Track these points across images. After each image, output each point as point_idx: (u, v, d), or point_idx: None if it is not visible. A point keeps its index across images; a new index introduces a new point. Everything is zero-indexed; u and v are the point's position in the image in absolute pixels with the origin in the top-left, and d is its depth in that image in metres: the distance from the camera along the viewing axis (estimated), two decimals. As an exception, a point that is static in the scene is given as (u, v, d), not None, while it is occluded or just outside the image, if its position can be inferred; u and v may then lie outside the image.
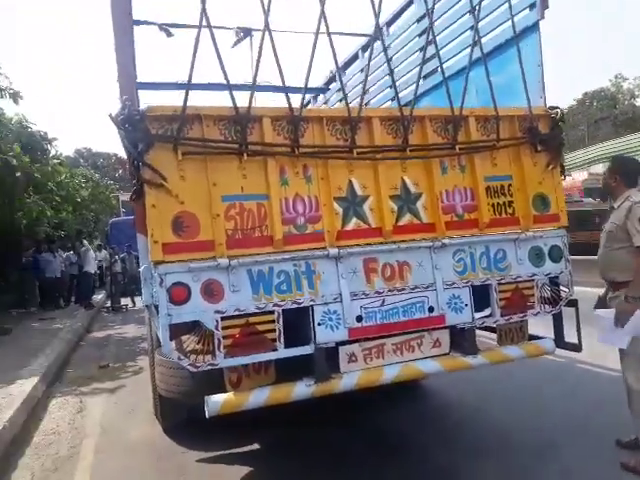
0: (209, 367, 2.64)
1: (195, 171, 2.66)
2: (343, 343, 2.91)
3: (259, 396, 2.74)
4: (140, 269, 2.92)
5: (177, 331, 2.64)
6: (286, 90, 2.82)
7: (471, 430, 4.01)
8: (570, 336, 3.49)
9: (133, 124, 2.54)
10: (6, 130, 10.53)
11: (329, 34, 2.79)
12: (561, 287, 3.41)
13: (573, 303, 3.42)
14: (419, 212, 3.08)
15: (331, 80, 7.03)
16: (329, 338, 2.84)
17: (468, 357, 3.13)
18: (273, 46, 2.65)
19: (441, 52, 3.57)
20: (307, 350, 2.81)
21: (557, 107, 3.40)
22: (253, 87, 2.76)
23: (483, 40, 3.46)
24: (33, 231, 13.42)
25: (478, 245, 3.18)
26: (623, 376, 3.29)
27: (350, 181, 2.95)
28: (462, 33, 4.25)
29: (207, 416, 2.66)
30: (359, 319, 2.89)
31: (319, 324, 2.82)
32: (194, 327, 2.68)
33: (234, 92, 2.66)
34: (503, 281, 3.22)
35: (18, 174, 9.15)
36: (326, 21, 2.75)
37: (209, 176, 2.68)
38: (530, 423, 3.95)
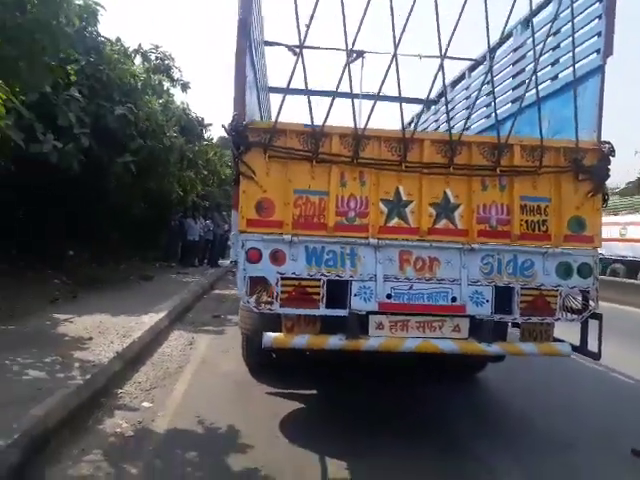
0: (268, 311, 3.61)
1: (277, 170, 3.59)
2: (374, 313, 3.68)
3: (301, 339, 3.65)
4: (231, 235, 3.94)
5: (250, 283, 3.62)
6: (401, 100, 3.61)
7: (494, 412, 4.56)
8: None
9: (237, 132, 3.55)
10: (170, 113, 12.60)
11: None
12: (590, 301, 3.79)
13: (597, 316, 3.80)
14: (455, 219, 3.70)
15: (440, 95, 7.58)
16: (362, 307, 3.63)
17: (483, 344, 3.70)
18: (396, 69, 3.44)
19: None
20: (343, 313, 3.63)
21: (608, 142, 3.75)
22: (329, 110, 3.60)
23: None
24: (184, 199, 15.74)
25: (506, 253, 3.71)
26: None
27: (397, 188, 3.68)
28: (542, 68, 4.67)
29: (262, 346, 3.64)
30: (388, 296, 3.64)
31: (355, 295, 3.62)
32: (263, 282, 3.63)
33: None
34: (527, 286, 3.72)
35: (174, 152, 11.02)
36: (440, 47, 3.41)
37: (286, 174, 3.60)
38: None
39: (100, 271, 11.08)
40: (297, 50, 5.77)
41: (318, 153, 3.58)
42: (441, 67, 3.52)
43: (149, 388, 4.89)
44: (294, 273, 3.59)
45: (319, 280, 3.61)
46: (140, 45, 14.28)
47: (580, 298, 3.83)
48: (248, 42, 3.70)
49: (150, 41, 21.33)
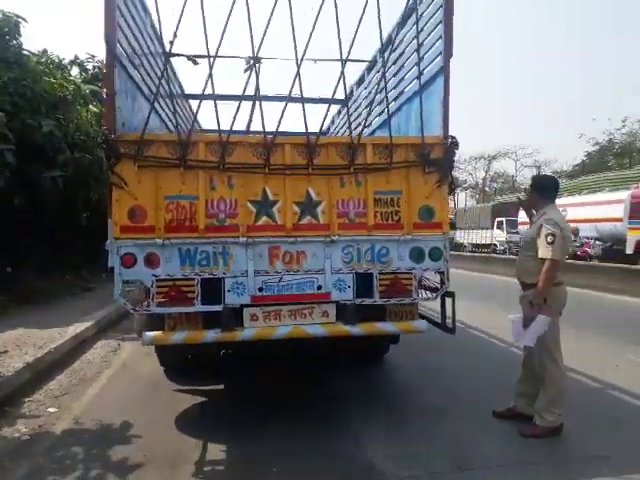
0: (145, 311, 3.90)
1: (148, 178, 3.87)
2: (248, 306, 4.00)
3: (179, 335, 3.94)
4: (106, 243, 4.15)
5: (126, 287, 3.89)
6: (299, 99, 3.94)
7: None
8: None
9: (108, 145, 3.81)
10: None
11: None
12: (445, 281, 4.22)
13: (450, 294, 4.23)
14: (317, 215, 4.06)
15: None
16: (235, 301, 3.96)
17: (348, 326, 4.07)
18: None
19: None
20: (217, 308, 3.94)
21: (452, 136, 4.18)
22: (195, 117, 3.91)
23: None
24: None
25: (364, 242, 4.10)
26: (535, 359, 3.95)
27: (264, 189, 4.01)
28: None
29: (142, 345, 3.91)
30: (260, 290, 3.97)
31: (228, 290, 3.94)
32: (139, 285, 3.91)
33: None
34: (384, 271, 4.11)
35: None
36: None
37: (157, 181, 3.88)
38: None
39: (42, 285, 11.03)
40: (197, 60, 6.15)
41: (186, 160, 3.87)
42: (342, 74, 3.89)
43: (59, 395, 5.10)
44: (168, 274, 3.88)
45: (193, 279, 3.91)
46: (76, 56, 14.33)
47: (438, 279, 4.25)
48: (115, 57, 3.88)
49: (87, 51, 21.05)
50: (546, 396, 3.91)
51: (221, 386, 5.42)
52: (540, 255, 3.78)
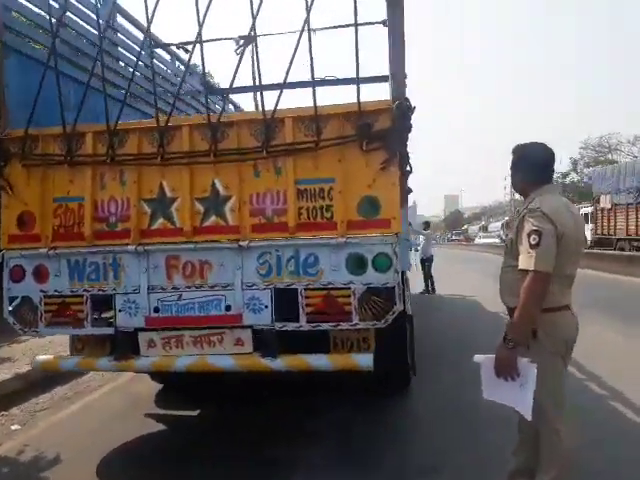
0: (33, 333, 3.37)
1: (37, 179, 3.35)
2: (143, 330, 3.27)
3: (70, 362, 3.37)
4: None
5: (16, 303, 3.41)
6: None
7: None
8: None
9: None
10: None
11: None
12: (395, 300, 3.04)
13: (408, 320, 3.04)
14: (225, 214, 3.18)
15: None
16: (128, 323, 3.25)
17: (267, 359, 3.13)
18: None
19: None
20: (109, 331, 3.28)
21: (405, 98, 2.99)
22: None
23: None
24: None
25: (286, 249, 3.11)
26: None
27: (161, 184, 3.25)
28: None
29: (31, 367, 3.40)
30: (156, 310, 3.22)
31: (120, 310, 3.26)
32: (28, 302, 3.40)
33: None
34: (312, 286, 3.08)
35: None
36: None
37: (45, 182, 3.35)
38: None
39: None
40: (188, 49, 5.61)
41: (72, 156, 3.28)
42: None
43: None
44: (56, 290, 3.32)
45: (82, 296, 3.30)
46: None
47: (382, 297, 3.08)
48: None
49: None
50: (545, 477, 2.53)
51: (195, 412, 4.75)
52: (520, 265, 2.35)
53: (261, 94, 3.25)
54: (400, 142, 2.98)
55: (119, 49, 4.90)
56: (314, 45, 2.93)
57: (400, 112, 2.95)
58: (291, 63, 3.02)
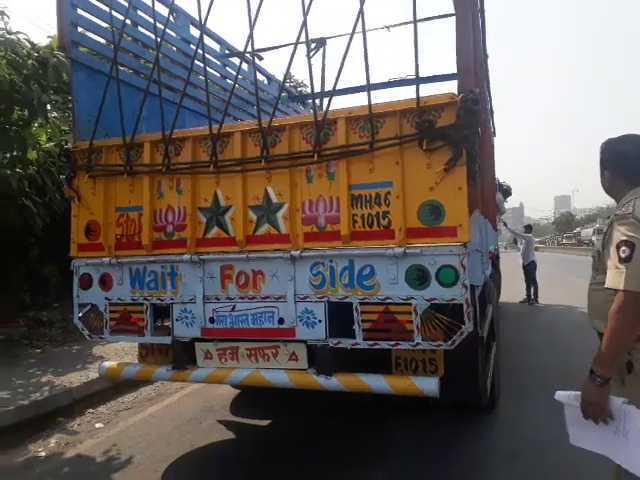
0: (99, 339, 3.45)
1: (100, 189, 3.45)
2: (200, 340, 3.21)
3: (131, 370, 3.40)
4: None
5: (85, 310, 3.52)
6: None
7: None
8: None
9: (66, 157, 3.52)
10: None
11: None
12: (465, 319, 2.68)
13: (477, 341, 2.66)
14: (278, 222, 3.02)
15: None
16: (184, 333, 3.21)
17: (321, 377, 2.92)
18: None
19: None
20: (167, 340, 3.26)
21: (470, 91, 2.64)
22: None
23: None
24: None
25: (340, 259, 2.87)
26: None
27: (215, 193, 3.18)
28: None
29: (98, 374, 3.49)
30: (211, 320, 3.14)
31: (177, 320, 3.22)
32: (95, 309, 3.50)
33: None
34: (368, 301, 2.81)
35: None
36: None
37: (108, 192, 3.43)
38: None
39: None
40: (261, 55, 5.63)
41: (131, 165, 3.32)
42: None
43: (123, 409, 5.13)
44: (119, 298, 3.38)
45: (142, 305, 3.32)
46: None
47: (449, 315, 2.72)
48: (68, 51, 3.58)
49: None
50: None
51: (266, 422, 4.67)
52: (607, 283, 1.94)
53: (312, 98, 3.06)
54: (466, 139, 2.62)
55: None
56: (375, 45, 2.68)
57: (466, 105, 2.60)
58: (342, 65, 2.81)
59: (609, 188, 2.23)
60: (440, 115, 2.69)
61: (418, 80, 2.70)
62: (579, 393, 1.99)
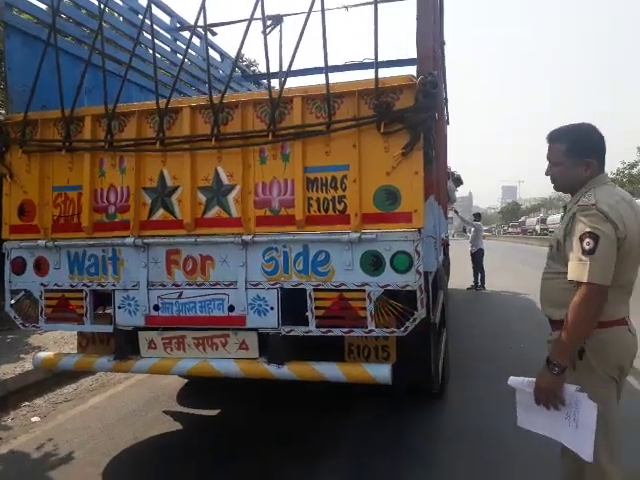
0: (33, 328, 3.21)
1: (36, 166, 3.18)
2: (142, 329, 3.04)
3: (69, 360, 3.19)
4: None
5: (20, 296, 3.27)
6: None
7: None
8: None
9: None
10: None
11: None
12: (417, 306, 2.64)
13: (430, 327, 2.64)
14: (229, 205, 2.88)
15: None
16: (127, 322, 3.03)
17: (272, 366, 2.82)
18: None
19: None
20: (108, 329, 3.07)
21: (429, 74, 2.57)
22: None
23: None
24: None
25: (294, 244, 2.77)
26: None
27: (162, 172, 2.99)
28: None
29: (33, 366, 3.25)
30: (156, 308, 2.97)
31: (119, 307, 3.04)
32: (30, 295, 3.25)
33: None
34: (321, 287, 2.73)
35: None
36: None
37: (45, 170, 3.17)
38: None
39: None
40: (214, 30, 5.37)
41: (70, 141, 3.08)
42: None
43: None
44: (56, 284, 3.14)
45: (81, 291, 3.10)
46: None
47: (402, 302, 2.68)
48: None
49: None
50: None
51: (215, 412, 4.54)
52: (569, 275, 1.93)
53: (267, 76, 2.91)
54: (424, 123, 2.55)
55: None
56: (334, 27, 2.56)
57: (425, 88, 2.53)
58: (298, 43, 2.68)
59: (561, 177, 2.15)
60: (398, 97, 2.62)
61: (377, 61, 2.60)
62: (533, 380, 2.01)
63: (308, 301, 2.75)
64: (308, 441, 3.72)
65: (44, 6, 3.61)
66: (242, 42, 2.86)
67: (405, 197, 2.61)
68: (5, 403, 4.71)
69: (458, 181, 12.06)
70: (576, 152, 2.06)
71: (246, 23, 2.87)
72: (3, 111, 3.47)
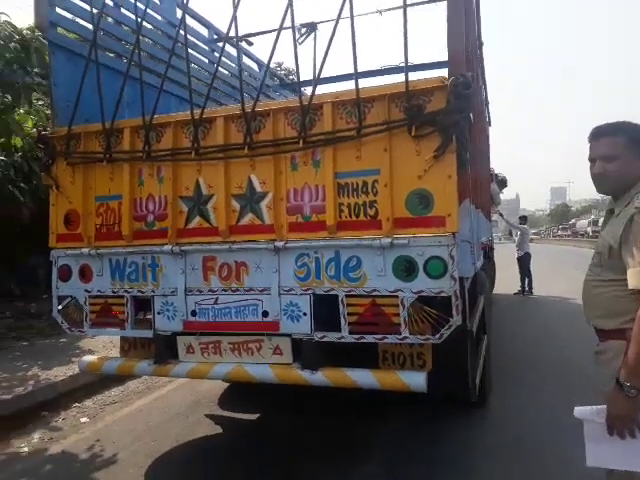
0: (79, 332, 3.35)
1: (80, 177, 3.32)
2: (181, 334, 3.11)
3: (112, 364, 3.30)
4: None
5: (64, 303, 3.41)
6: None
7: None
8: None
9: (44, 143, 3.39)
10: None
11: None
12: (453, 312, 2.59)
13: (466, 334, 2.58)
14: (262, 212, 2.91)
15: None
16: (166, 327, 3.11)
17: (306, 371, 2.83)
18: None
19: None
20: (148, 334, 3.16)
21: (461, 75, 2.53)
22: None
23: None
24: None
25: (326, 250, 2.77)
26: None
27: (197, 180, 3.06)
28: None
29: (79, 371, 3.38)
30: (193, 313, 3.04)
31: (158, 313, 3.12)
32: (75, 301, 3.39)
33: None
34: (353, 293, 2.71)
35: None
36: None
37: (88, 180, 3.31)
38: None
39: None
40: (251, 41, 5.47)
41: (111, 152, 3.20)
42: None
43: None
44: (99, 290, 3.27)
45: (123, 297, 3.21)
46: None
47: (436, 308, 2.63)
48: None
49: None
50: None
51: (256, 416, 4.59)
52: (631, 283, 1.79)
53: (297, 83, 2.94)
54: (456, 125, 2.51)
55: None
56: (367, 32, 2.56)
57: (457, 90, 2.48)
58: (327, 49, 2.70)
59: (618, 174, 1.96)
60: (430, 100, 2.58)
61: (407, 63, 2.58)
62: (603, 407, 1.81)
63: (340, 307, 2.74)
64: (343, 446, 3.70)
65: (87, 24, 3.78)
66: (272, 51, 2.90)
67: (438, 201, 2.56)
68: (57, 404, 4.92)
69: (503, 183, 11.78)
70: (638, 145, 1.93)
71: (287, 32, 2.91)
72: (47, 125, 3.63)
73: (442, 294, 2.55)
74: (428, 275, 2.57)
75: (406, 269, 2.61)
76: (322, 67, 2.74)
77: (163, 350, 3.14)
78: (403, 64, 2.62)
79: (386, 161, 2.65)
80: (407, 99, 2.58)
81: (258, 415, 4.59)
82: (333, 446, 3.71)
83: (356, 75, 2.67)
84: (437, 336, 2.58)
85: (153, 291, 3.13)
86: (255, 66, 6.13)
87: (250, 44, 5.68)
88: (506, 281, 11.94)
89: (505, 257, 14.33)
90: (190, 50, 3.93)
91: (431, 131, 2.55)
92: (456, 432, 3.79)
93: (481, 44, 5.88)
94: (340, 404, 4.41)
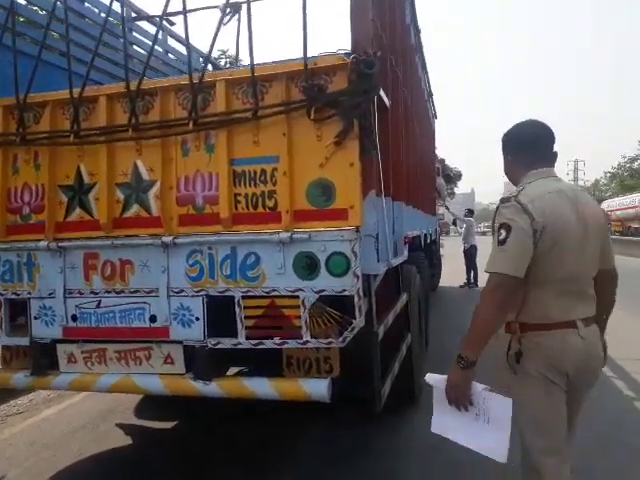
0: None
1: None
2: (61, 342, 2.75)
3: (-17, 377, 2.88)
4: None
5: None
6: None
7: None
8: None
9: None
10: None
11: None
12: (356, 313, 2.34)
13: (371, 336, 2.35)
14: (149, 203, 2.58)
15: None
16: (44, 333, 2.74)
17: (199, 382, 2.53)
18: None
19: None
20: (24, 341, 2.78)
21: (366, 53, 2.26)
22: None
23: None
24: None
25: (219, 246, 2.47)
26: None
27: (78, 167, 2.70)
28: None
29: None
30: (74, 318, 2.68)
31: (35, 318, 2.74)
32: None
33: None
34: (251, 294, 2.43)
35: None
36: None
37: None
38: None
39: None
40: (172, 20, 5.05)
41: (-20, 135, 2.78)
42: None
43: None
44: None
45: None
46: None
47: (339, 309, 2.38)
48: None
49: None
50: None
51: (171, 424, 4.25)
52: (486, 266, 1.82)
53: (189, 58, 2.59)
54: (358, 108, 2.25)
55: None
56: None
57: (359, 68, 2.22)
58: (216, 34, 2.39)
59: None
60: (331, 80, 2.32)
61: (305, 39, 2.29)
62: (445, 377, 1.89)
63: (237, 310, 2.45)
64: (263, 454, 3.45)
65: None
66: (186, 31, 2.56)
67: (340, 192, 2.31)
68: (-51, 417, 4.44)
69: (456, 177, 11.78)
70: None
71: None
72: None
73: (345, 293, 2.30)
74: (330, 273, 2.32)
75: (307, 266, 2.34)
76: (213, 44, 2.44)
77: (40, 359, 2.77)
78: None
79: (285, 147, 2.37)
80: (306, 78, 2.30)
81: (174, 423, 4.26)
82: (250, 454, 3.45)
83: (251, 50, 2.37)
84: (340, 339, 2.33)
85: (29, 293, 2.75)
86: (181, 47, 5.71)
87: (172, 24, 5.27)
88: (453, 274, 11.97)
89: (453, 250, 14.43)
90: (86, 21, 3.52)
91: (332, 114, 2.29)
92: (387, 433, 3.59)
93: (418, 31, 5.69)
94: (261, 410, 4.15)
